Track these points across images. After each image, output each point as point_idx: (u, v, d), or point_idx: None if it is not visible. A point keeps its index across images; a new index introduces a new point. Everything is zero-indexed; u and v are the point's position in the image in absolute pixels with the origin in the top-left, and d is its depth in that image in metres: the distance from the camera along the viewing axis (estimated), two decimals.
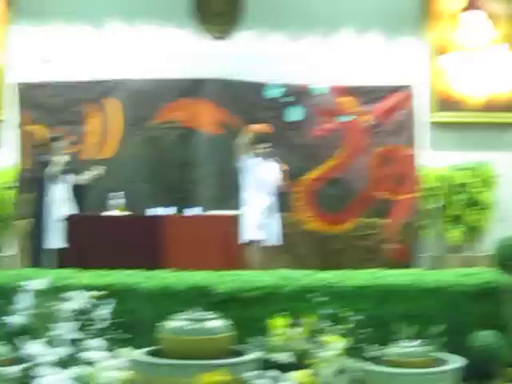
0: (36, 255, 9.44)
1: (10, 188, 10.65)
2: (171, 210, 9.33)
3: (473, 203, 11.06)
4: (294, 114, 10.67)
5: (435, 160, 11.07)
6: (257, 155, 9.71)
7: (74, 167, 9.81)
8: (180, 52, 11.05)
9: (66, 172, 9.62)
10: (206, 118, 10.55)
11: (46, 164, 9.56)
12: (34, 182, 9.73)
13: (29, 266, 8.27)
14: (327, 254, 10.30)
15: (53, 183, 9.54)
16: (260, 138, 9.77)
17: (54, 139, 9.81)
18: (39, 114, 10.58)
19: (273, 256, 9.63)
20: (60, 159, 9.55)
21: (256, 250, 9.62)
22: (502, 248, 5.58)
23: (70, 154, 9.91)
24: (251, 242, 9.57)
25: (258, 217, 9.56)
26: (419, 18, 11.43)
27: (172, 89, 10.64)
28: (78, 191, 9.81)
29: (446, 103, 11.30)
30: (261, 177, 9.65)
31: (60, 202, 9.52)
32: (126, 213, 9.36)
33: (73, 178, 9.70)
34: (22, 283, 5.17)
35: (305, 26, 11.23)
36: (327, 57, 11.20)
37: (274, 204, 9.71)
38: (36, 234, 9.60)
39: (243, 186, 9.72)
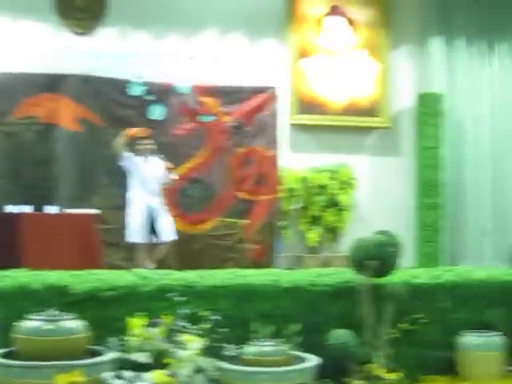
0: None
1: None
2: (28, 208, 9.12)
3: (331, 205, 11.32)
4: (157, 113, 10.62)
5: (295, 162, 11.28)
6: (139, 153, 9.71)
7: None
8: (40, 46, 10.85)
9: None
10: (66, 114, 10.36)
11: None
12: None
13: None
14: (188, 254, 10.29)
15: None
16: (140, 136, 9.80)
17: None
18: None
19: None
20: None
21: (141, 251, 9.64)
22: (356, 249, 5.71)
23: None
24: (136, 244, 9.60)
25: (140, 217, 9.58)
26: (283, 20, 11.62)
27: (31, 83, 10.41)
28: None
29: (306, 106, 11.52)
30: (145, 175, 9.64)
31: None
32: None
33: None
34: None
35: (169, 24, 11.24)
36: (191, 56, 11.21)
37: (160, 202, 9.73)
38: None
39: (129, 185, 9.70)
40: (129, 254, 10.17)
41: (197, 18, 11.37)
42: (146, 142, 9.90)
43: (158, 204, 9.80)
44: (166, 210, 9.85)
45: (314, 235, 11.30)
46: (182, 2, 11.39)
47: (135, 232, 9.72)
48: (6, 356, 4.60)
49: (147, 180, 9.74)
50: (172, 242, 9.88)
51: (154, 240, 9.84)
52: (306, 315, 5.55)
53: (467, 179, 11.89)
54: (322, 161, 11.42)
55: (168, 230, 9.81)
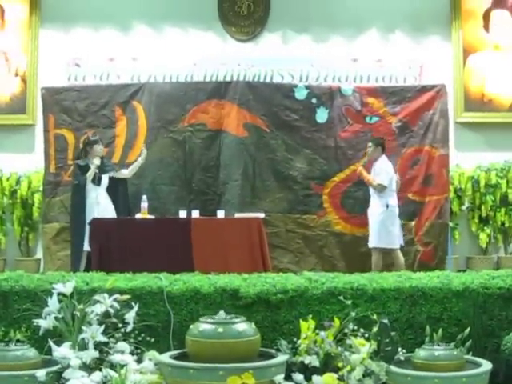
0: (74, 259, 9.49)
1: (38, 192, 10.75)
2: (196, 213, 9.35)
3: (502, 204, 11.00)
4: (321, 116, 10.62)
5: (462, 161, 11.02)
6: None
7: (108, 169, 9.87)
8: (206, 54, 11.11)
9: (101, 175, 9.66)
10: (233, 120, 10.53)
11: (83, 168, 9.59)
12: (73, 186, 9.77)
13: (65, 270, 8.29)
14: (354, 257, 10.23)
15: (91, 187, 9.57)
16: None
17: (92, 142, 9.83)
18: (65, 118, 10.61)
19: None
20: (95, 162, 9.58)
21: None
22: None
23: (104, 156, 9.96)
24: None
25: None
26: (447, 16, 11.38)
27: (199, 91, 10.65)
28: (114, 194, 9.87)
29: (473, 103, 11.26)
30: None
31: (96, 206, 9.56)
32: (151, 216, 9.38)
33: (108, 180, 9.77)
34: (48, 287, 5.19)
35: (330, 27, 11.27)
36: (353, 57, 11.19)
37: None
38: (74, 237, 9.64)
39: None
40: (296, 258, 10.26)
41: (358, 20, 11.35)
42: None
43: None
44: None
45: (484, 236, 11.02)
46: (343, 4, 11.39)
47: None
48: (178, 358, 4.72)
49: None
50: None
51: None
52: (477, 319, 5.40)
53: None
54: (490, 159, 11.12)
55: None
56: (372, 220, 9.80)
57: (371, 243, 9.80)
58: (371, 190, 9.89)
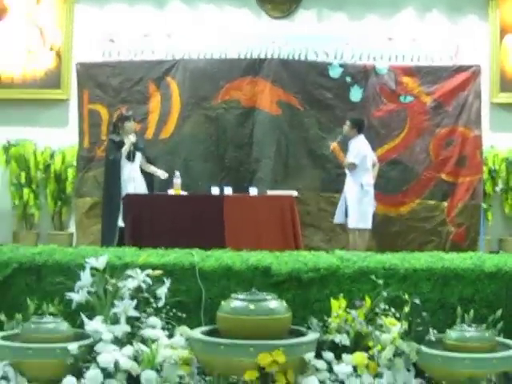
0: (106, 233, 9.53)
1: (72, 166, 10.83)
2: (229, 190, 9.37)
3: None
4: (355, 95, 10.57)
5: (496, 142, 10.95)
6: None
7: (141, 146, 9.90)
8: (241, 31, 11.10)
9: (135, 151, 9.69)
10: (266, 97, 10.54)
11: (118, 143, 9.61)
12: (108, 162, 9.76)
13: (98, 244, 8.35)
14: (386, 237, 10.22)
15: (125, 163, 9.59)
16: None
17: (124, 118, 9.85)
18: (99, 93, 10.67)
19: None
20: (131, 139, 9.61)
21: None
22: None
23: (137, 133, 9.98)
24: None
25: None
26: None
27: (232, 68, 10.68)
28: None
29: (509, 84, 11.14)
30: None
31: (130, 181, 9.59)
32: (183, 192, 9.41)
33: (143, 162, 9.80)
34: (81, 261, 5.23)
35: (366, 5, 11.21)
36: (389, 36, 11.12)
37: None
38: (107, 212, 9.66)
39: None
40: (327, 236, 10.27)
41: None
42: None
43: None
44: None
45: None
46: None
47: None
48: (209, 334, 4.74)
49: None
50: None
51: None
52: (509, 301, 5.36)
53: None
54: None
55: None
56: (349, 200, 9.69)
57: (350, 224, 9.70)
58: (346, 170, 9.81)
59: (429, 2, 11.28)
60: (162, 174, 9.81)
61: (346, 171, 9.77)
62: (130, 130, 9.73)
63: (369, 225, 9.65)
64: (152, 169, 9.90)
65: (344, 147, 9.88)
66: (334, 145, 9.92)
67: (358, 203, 9.57)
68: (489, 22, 11.28)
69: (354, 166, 9.60)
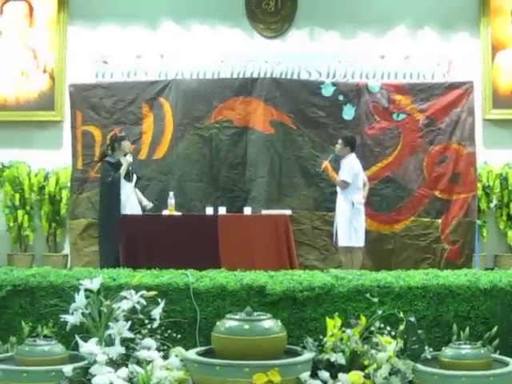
0: (106, 255, 9.46)
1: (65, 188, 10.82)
2: (223, 210, 9.36)
3: None
4: (348, 113, 10.60)
5: (489, 158, 10.97)
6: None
7: (136, 168, 9.91)
8: (233, 52, 11.14)
9: (131, 172, 9.68)
10: (259, 116, 10.55)
11: (114, 164, 9.59)
12: (106, 184, 9.69)
13: (92, 266, 8.28)
14: (381, 254, 10.23)
15: (123, 183, 9.56)
16: None
17: (120, 138, 9.83)
18: (93, 114, 10.69)
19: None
20: (129, 159, 9.60)
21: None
22: None
23: (132, 154, 9.99)
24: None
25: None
26: (476, 13, 11.33)
27: (225, 88, 10.68)
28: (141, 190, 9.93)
29: (502, 100, 11.18)
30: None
31: (128, 202, 9.57)
32: (177, 213, 9.40)
33: (137, 192, 9.82)
34: (75, 283, 5.22)
35: (358, 23, 11.25)
36: (381, 54, 11.17)
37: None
38: (107, 233, 9.59)
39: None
40: (322, 255, 10.25)
41: (386, 16, 11.33)
42: None
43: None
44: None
45: (511, 234, 10.96)
46: (371, 0, 11.36)
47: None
48: (204, 354, 4.73)
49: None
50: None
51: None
52: (504, 317, 5.36)
53: None
54: None
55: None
56: (339, 218, 9.71)
57: (341, 242, 9.69)
58: (337, 188, 9.82)
59: (421, 19, 11.34)
60: (147, 204, 9.81)
61: (338, 190, 9.78)
62: (126, 149, 9.73)
63: (361, 243, 9.65)
64: (139, 196, 9.88)
65: (336, 166, 9.87)
66: (325, 163, 9.91)
67: (349, 222, 9.58)
68: (480, 39, 11.33)
69: (347, 185, 9.61)
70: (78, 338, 4.80)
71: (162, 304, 5.01)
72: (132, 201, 9.65)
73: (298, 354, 4.76)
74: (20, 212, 11.06)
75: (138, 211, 9.62)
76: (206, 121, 10.61)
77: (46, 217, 11.11)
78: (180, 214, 9.47)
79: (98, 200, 10.01)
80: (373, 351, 4.81)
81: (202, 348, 4.88)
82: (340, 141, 9.86)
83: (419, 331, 4.84)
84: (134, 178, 9.75)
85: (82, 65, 11.21)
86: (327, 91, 10.63)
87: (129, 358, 4.78)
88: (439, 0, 11.29)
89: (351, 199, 9.57)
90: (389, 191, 10.43)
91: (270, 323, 4.68)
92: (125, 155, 9.67)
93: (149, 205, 9.79)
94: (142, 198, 9.86)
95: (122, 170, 9.54)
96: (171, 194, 9.53)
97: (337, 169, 9.85)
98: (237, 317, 4.70)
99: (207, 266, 5.99)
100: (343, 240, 9.62)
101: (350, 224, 9.57)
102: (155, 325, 4.97)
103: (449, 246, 10.32)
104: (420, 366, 4.71)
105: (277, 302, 5.30)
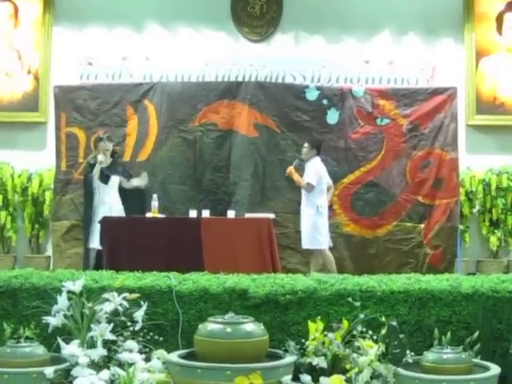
0: (85, 256, 9.54)
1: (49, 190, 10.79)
2: (206, 213, 9.36)
3: None
4: (332, 117, 10.62)
5: (472, 163, 11.01)
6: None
7: (120, 169, 9.90)
8: (218, 55, 11.14)
9: (111, 173, 9.67)
10: (244, 120, 10.55)
11: (92, 165, 9.63)
12: (84, 183, 9.79)
13: (75, 267, 8.27)
14: (363, 259, 10.25)
15: (98, 185, 9.58)
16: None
17: (98, 140, 9.88)
18: (77, 116, 10.66)
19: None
20: (99, 158, 9.60)
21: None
22: None
23: (118, 156, 10.00)
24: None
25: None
26: (460, 19, 11.37)
27: (210, 91, 10.68)
28: (124, 192, 9.88)
29: (485, 106, 11.24)
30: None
31: (100, 205, 9.58)
32: (161, 215, 9.39)
33: (120, 181, 9.78)
34: (58, 285, 5.21)
35: (343, 28, 11.27)
36: (365, 59, 11.20)
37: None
38: (85, 235, 9.66)
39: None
40: (305, 258, 10.26)
41: (371, 21, 11.35)
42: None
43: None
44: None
45: (495, 239, 11.00)
46: (356, 5, 11.39)
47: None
48: (186, 357, 4.73)
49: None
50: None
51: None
52: (486, 322, 5.39)
53: None
54: (501, 162, 11.09)
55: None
56: (304, 221, 9.79)
57: (305, 245, 9.81)
58: (302, 191, 9.87)
59: (405, 25, 11.37)
60: (142, 182, 9.85)
61: (302, 193, 9.83)
62: (101, 150, 9.74)
63: (325, 244, 9.76)
64: (134, 183, 9.90)
65: (301, 170, 9.92)
66: (290, 168, 9.93)
67: (313, 225, 9.66)
68: (465, 45, 11.37)
69: (312, 187, 9.67)
70: (59, 339, 4.80)
71: (145, 306, 5.02)
72: (109, 203, 9.59)
73: (280, 358, 4.77)
74: (3, 213, 10.99)
75: (117, 214, 9.59)
76: (190, 124, 10.60)
77: (29, 218, 11.06)
78: (163, 216, 9.46)
79: (82, 202, 10.06)
80: (354, 355, 4.83)
81: (184, 351, 4.88)
82: (306, 144, 9.94)
83: (401, 335, 4.86)
84: (115, 181, 9.71)
85: (66, 66, 11.17)
86: (311, 95, 10.65)
87: (111, 360, 4.78)
88: (424, 6, 11.31)
89: (315, 202, 9.64)
90: (372, 196, 10.46)
91: (252, 326, 4.69)
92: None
93: (143, 181, 9.89)
94: (136, 181, 9.92)
95: (94, 172, 9.56)
96: (155, 196, 9.51)
97: (302, 174, 9.89)
98: (219, 320, 4.71)
99: (190, 268, 5.99)
100: (307, 243, 9.76)
101: (314, 227, 9.66)
102: (137, 327, 4.97)
103: (431, 251, 10.36)
104: (401, 371, 4.73)
105: (259, 306, 5.31)
